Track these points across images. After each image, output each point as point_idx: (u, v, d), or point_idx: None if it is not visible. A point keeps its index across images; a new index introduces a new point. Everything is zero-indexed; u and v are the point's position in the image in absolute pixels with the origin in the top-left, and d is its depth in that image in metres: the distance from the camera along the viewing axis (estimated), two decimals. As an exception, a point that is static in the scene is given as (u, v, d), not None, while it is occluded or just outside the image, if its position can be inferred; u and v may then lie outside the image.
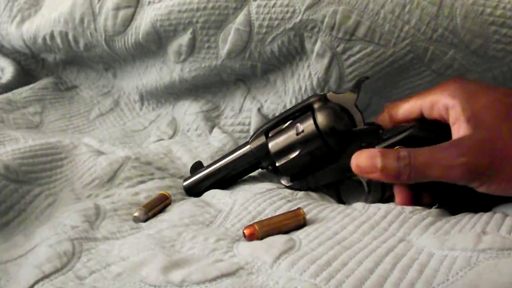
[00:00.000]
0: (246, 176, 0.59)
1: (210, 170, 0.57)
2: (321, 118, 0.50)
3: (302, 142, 0.51)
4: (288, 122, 0.54)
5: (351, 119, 0.51)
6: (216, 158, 0.60)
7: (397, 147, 0.46)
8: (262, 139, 0.55)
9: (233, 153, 0.57)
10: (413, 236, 0.39)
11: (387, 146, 0.48)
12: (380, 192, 0.50)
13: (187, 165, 0.62)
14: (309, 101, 0.52)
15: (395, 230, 0.40)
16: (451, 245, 0.35)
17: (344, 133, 0.50)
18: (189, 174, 0.59)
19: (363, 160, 0.46)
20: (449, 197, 0.46)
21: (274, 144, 0.53)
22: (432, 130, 0.47)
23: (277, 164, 0.53)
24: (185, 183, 0.58)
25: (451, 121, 0.45)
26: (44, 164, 0.56)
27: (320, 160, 0.51)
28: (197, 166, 0.59)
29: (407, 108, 0.49)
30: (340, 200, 0.53)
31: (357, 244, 0.38)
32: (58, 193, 0.54)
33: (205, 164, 0.60)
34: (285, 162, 0.52)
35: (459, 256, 0.34)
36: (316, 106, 0.51)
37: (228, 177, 0.57)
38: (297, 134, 0.51)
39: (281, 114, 0.55)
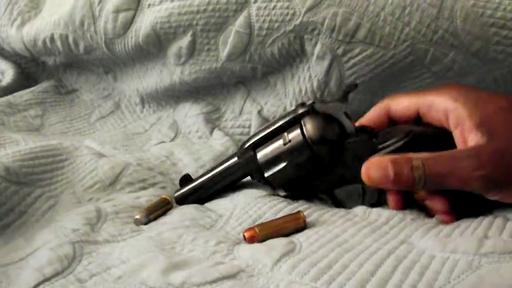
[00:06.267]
0: (247, 182, 0.57)
1: (199, 183, 0.56)
2: (309, 128, 0.48)
3: (289, 153, 0.49)
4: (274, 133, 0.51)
5: (341, 128, 0.48)
6: (219, 160, 0.59)
7: (410, 154, 0.43)
8: (249, 150, 0.53)
9: (221, 165, 0.55)
10: (414, 238, 0.39)
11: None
12: (376, 196, 0.49)
13: (188, 166, 0.62)
14: (296, 112, 0.50)
15: (396, 233, 0.40)
16: (453, 247, 0.35)
17: (334, 143, 0.48)
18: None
19: (374, 172, 0.44)
20: (453, 201, 0.46)
21: (262, 155, 0.51)
22: (427, 139, 0.46)
23: (265, 175, 0.51)
24: (175, 195, 0.57)
25: (451, 125, 0.44)
26: (45, 166, 0.56)
27: (310, 171, 0.49)
28: (186, 179, 0.57)
29: (405, 105, 0.48)
30: (336, 203, 0.51)
31: (358, 246, 0.38)
32: (59, 195, 0.54)
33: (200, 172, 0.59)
34: (273, 174, 0.50)
35: (460, 259, 0.34)
36: (303, 116, 0.49)
37: (216, 189, 0.55)
38: (284, 144, 0.49)
39: (268, 125, 0.53)
